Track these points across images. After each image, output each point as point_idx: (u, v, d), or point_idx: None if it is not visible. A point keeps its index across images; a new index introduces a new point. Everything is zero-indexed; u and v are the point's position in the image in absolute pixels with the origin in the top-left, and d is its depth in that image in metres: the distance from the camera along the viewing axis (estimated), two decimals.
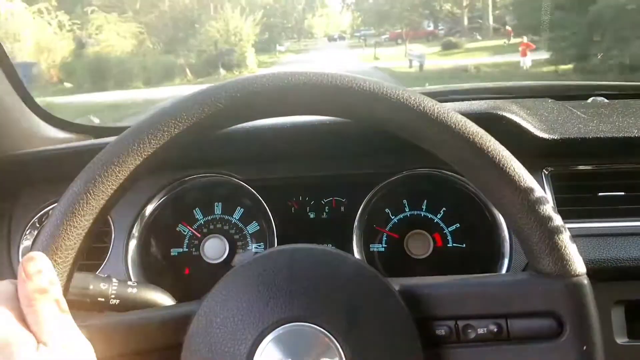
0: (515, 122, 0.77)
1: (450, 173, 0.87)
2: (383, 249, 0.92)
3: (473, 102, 0.86)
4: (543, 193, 0.47)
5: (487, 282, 0.51)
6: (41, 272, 0.41)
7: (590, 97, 1.11)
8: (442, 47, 20.15)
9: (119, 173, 0.46)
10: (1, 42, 0.93)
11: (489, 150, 0.47)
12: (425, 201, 0.92)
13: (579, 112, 0.90)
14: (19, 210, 0.95)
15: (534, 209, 0.46)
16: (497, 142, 0.47)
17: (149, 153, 0.47)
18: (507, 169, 0.46)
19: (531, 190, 0.46)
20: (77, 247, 0.45)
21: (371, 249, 0.92)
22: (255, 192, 0.91)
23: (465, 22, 24.90)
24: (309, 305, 0.48)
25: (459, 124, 0.47)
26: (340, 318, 0.47)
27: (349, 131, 0.83)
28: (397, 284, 0.50)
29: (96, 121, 1.13)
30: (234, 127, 0.86)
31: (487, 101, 0.84)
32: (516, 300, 0.48)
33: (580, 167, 0.83)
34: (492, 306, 0.48)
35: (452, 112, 0.47)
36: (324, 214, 0.95)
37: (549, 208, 0.47)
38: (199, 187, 0.94)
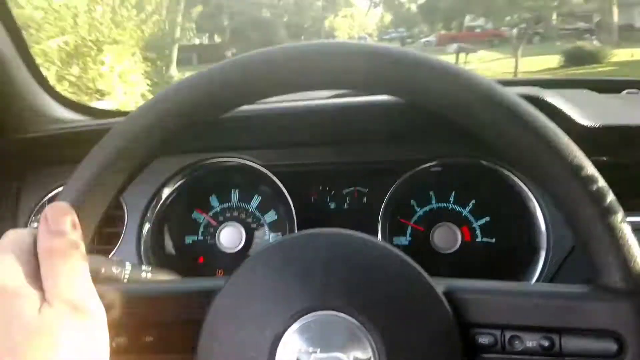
0: (558, 109, 0.73)
1: (483, 162, 0.82)
2: (407, 243, 0.87)
3: (512, 88, 0.81)
4: (615, 200, 0.42)
5: (542, 292, 0.46)
6: (65, 223, 0.37)
7: (624, 90, 1.07)
8: (566, 59, 11.24)
9: (153, 130, 0.43)
10: (16, 20, 0.90)
11: (564, 150, 0.41)
12: (453, 193, 0.88)
13: (617, 102, 0.86)
14: (27, 191, 0.91)
15: (604, 217, 0.41)
16: (571, 141, 0.42)
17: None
18: (580, 174, 0.41)
19: (603, 196, 0.41)
20: (102, 207, 0.42)
21: (395, 243, 0.87)
22: (274, 178, 0.87)
23: (554, 16, 15.44)
24: (344, 294, 0.44)
25: (530, 115, 0.42)
26: (378, 313, 0.43)
27: (374, 115, 0.79)
28: (442, 284, 0.45)
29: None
30: (252, 109, 0.82)
31: (527, 87, 0.80)
32: (573, 315, 0.43)
33: (622, 158, 0.78)
34: (546, 319, 0.43)
35: (521, 100, 0.42)
36: (345, 204, 0.90)
37: (620, 217, 0.42)
38: (216, 171, 0.90)
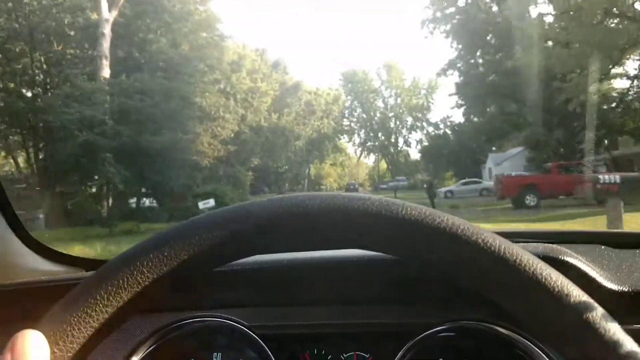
0: (581, 270, 0.65)
1: (499, 329, 0.72)
2: None
3: (524, 244, 0.74)
4: None
5: None
6: (32, 353, 0.34)
7: None
8: None
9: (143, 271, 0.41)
10: None
11: (600, 325, 0.38)
12: None
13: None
14: None
15: None
16: (606, 313, 0.39)
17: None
18: (619, 352, 0.37)
19: None
20: (83, 342, 0.38)
21: None
22: (261, 342, 0.76)
23: None
24: None
25: (557, 282, 0.39)
26: None
27: (377, 271, 0.71)
28: None
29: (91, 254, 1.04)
30: (239, 262, 0.75)
31: (543, 245, 0.73)
32: None
33: None
34: None
35: (544, 265, 0.39)
36: None
37: None
38: (195, 333, 0.79)
